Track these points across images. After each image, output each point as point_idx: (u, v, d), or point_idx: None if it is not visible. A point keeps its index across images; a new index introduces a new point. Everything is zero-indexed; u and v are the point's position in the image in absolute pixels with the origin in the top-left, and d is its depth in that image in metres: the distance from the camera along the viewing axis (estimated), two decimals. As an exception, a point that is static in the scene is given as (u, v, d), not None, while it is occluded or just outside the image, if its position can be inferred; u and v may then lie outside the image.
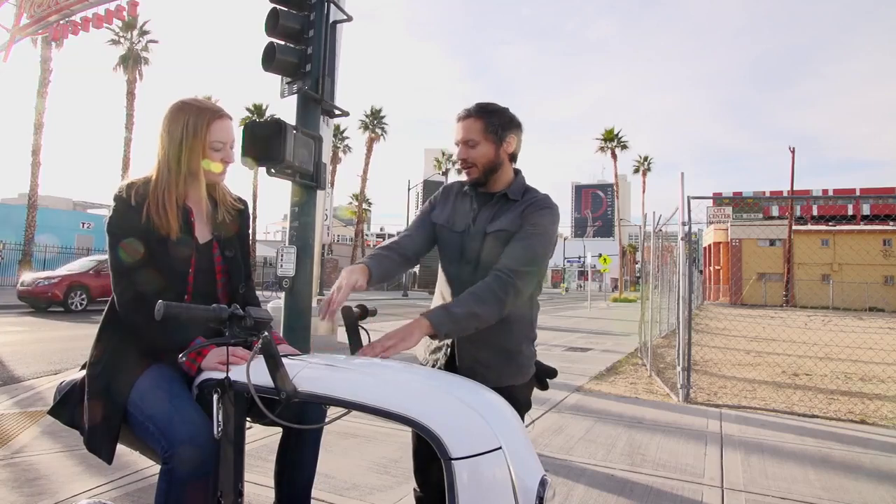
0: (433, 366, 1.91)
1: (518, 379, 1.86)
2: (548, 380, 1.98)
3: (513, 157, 1.90)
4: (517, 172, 1.93)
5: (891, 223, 42.62)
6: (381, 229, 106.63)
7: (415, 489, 1.99)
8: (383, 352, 1.57)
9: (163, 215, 1.67)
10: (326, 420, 1.78)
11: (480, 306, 1.66)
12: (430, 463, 1.81)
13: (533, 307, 1.92)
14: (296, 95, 4.71)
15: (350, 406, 1.33)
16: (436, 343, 1.90)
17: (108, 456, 1.59)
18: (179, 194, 1.72)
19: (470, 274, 1.84)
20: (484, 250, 1.82)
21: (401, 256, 1.90)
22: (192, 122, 1.70)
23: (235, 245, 1.85)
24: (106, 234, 1.68)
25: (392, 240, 1.99)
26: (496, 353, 1.83)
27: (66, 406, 1.70)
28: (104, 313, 1.72)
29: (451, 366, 1.86)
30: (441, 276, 1.97)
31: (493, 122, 1.83)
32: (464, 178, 1.94)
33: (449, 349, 1.88)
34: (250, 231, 1.98)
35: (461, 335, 1.74)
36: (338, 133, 42.73)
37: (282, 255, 4.67)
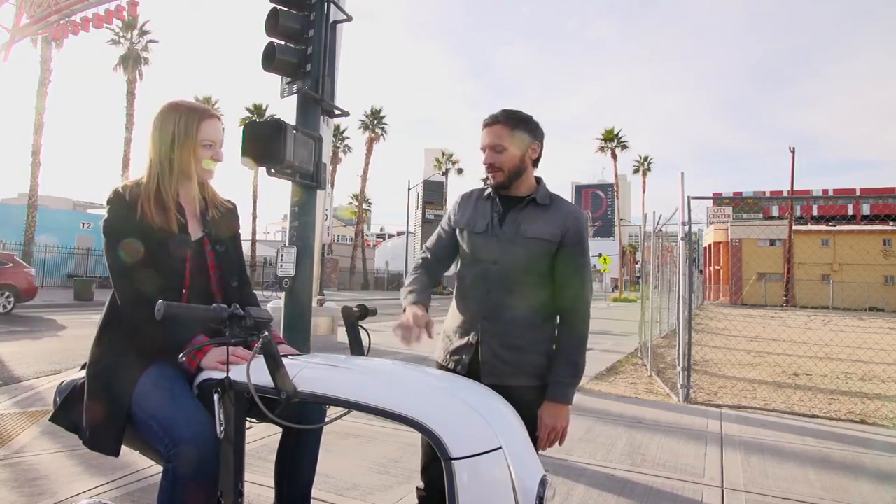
0: (455, 366, 1.93)
1: (538, 380, 1.90)
2: None
3: (535, 163, 1.96)
4: (539, 179, 1.98)
5: (891, 223, 42.67)
6: (381, 229, 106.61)
7: (418, 488, 2.00)
8: (560, 438, 1.86)
9: (157, 213, 1.70)
10: (326, 420, 1.78)
11: (581, 358, 1.90)
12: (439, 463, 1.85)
13: (555, 313, 1.97)
14: (296, 95, 4.71)
15: (350, 406, 1.33)
16: (457, 344, 1.95)
17: (114, 450, 1.60)
18: (171, 193, 1.76)
19: (496, 273, 1.88)
20: (517, 253, 1.87)
21: (435, 268, 2.03)
22: (184, 121, 1.75)
23: (226, 241, 1.89)
24: (102, 236, 1.69)
25: (422, 254, 2.10)
26: (517, 353, 1.87)
27: (67, 411, 1.70)
28: (104, 313, 1.73)
29: (474, 363, 1.90)
30: (461, 279, 2.00)
31: (519, 129, 1.89)
32: (475, 184, 2.01)
33: (472, 349, 1.91)
34: (241, 230, 2.02)
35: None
36: (338, 133, 42.74)
37: (282, 255, 4.67)
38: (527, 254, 1.86)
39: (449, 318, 2.04)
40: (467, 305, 1.94)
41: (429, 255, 2.07)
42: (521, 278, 1.87)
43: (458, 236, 2.01)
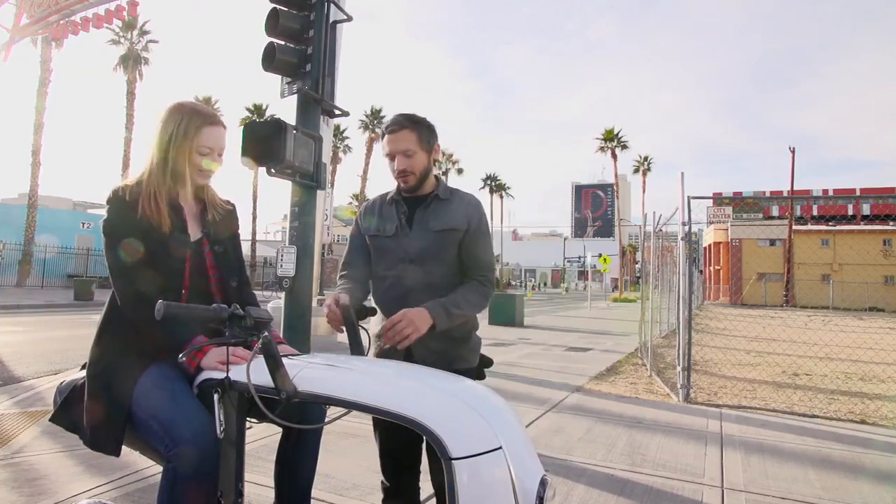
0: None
1: (464, 364, 2.00)
2: (486, 370, 2.15)
3: (435, 163, 2.08)
4: (437, 178, 2.10)
5: (891, 223, 42.63)
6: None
7: (383, 482, 2.07)
8: (406, 340, 1.78)
9: (156, 213, 1.70)
10: (326, 420, 1.78)
11: (473, 309, 1.93)
12: (402, 460, 2.01)
13: None
14: (296, 95, 4.70)
15: (350, 406, 1.33)
16: (387, 346, 1.96)
17: (114, 450, 1.60)
18: (170, 192, 1.76)
19: (412, 272, 1.96)
20: (429, 248, 1.97)
21: (360, 276, 2.09)
22: (185, 124, 1.75)
23: (225, 241, 1.89)
24: (102, 236, 1.70)
25: (342, 271, 2.15)
26: (446, 342, 1.95)
27: (67, 411, 1.70)
28: (103, 313, 1.73)
29: (407, 357, 1.94)
30: (380, 283, 2.06)
31: (424, 132, 1.99)
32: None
33: (404, 349, 1.93)
34: (240, 231, 2.03)
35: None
36: (338, 133, 42.73)
37: (282, 255, 4.66)
38: (438, 246, 1.96)
39: (374, 322, 2.07)
40: (390, 307, 1.97)
41: (348, 271, 2.12)
42: (437, 271, 1.96)
43: (369, 243, 2.08)
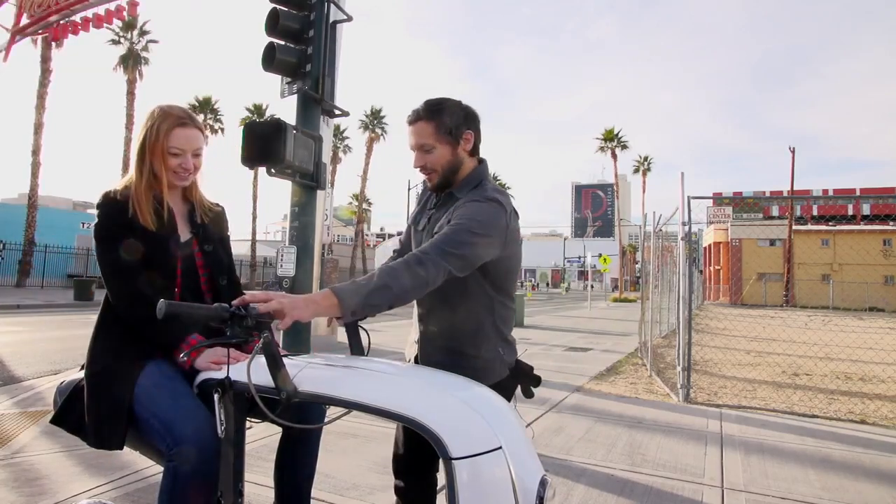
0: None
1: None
2: (532, 388, 1.88)
3: (474, 152, 1.80)
4: (481, 161, 1.83)
5: (891, 223, 42.64)
6: (381, 229, 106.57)
7: (396, 484, 1.92)
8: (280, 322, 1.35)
9: (146, 214, 1.72)
10: (326, 420, 1.78)
11: (394, 280, 1.48)
12: (418, 458, 1.84)
13: (495, 309, 1.79)
14: (296, 95, 4.72)
15: (350, 406, 1.33)
16: (409, 341, 1.94)
17: (119, 445, 1.61)
18: (156, 193, 1.78)
19: None
20: None
21: None
22: (157, 126, 1.76)
23: (214, 242, 1.91)
24: (94, 240, 1.71)
25: (394, 247, 2.04)
26: (449, 355, 1.75)
27: (68, 412, 1.71)
28: (99, 313, 1.74)
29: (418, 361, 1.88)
30: None
31: (446, 121, 1.72)
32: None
33: (416, 348, 1.88)
34: (230, 233, 2.05)
35: (374, 313, 1.53)
36: (338, 133, 42.74)
37: (282, 255, 4.67)
38: None
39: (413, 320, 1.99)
40: (415, 305, 1.88)
41: (397, 254, 1.99)
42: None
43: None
